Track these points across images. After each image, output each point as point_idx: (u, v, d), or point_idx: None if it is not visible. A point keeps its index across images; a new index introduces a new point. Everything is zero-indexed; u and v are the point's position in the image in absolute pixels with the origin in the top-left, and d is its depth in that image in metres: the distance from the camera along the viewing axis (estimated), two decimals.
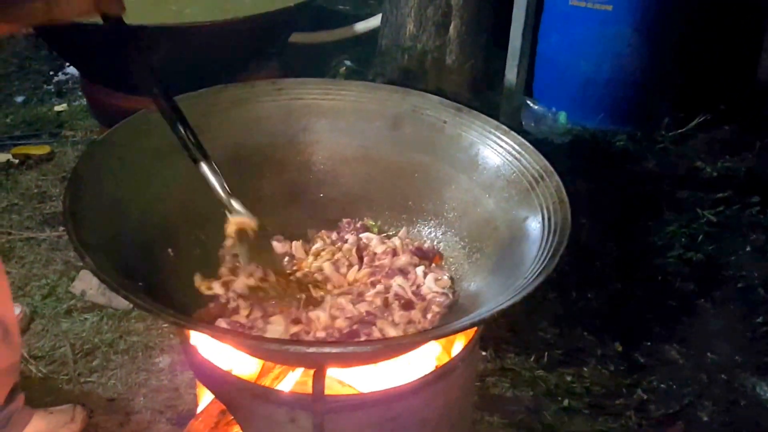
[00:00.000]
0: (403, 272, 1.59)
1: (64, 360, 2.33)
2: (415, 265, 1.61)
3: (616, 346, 2.45)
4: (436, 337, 1.46)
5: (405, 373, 1.57)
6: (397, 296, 1.54)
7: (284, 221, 1.71)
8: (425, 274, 1.59)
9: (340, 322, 1.45)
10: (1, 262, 1.80)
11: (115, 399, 2.21)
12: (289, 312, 1.46)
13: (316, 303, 1.51)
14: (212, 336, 1.30)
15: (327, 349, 1.25)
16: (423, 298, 1.55)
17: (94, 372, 2.30)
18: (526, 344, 2.43)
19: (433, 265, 1.64)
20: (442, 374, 1.44)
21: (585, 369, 2.36)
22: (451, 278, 1.61)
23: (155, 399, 2.21)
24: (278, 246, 1.66)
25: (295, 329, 1.43)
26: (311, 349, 1.21)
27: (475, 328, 1.49)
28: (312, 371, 1.33)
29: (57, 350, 2.37)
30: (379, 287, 1.56)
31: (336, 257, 1.63)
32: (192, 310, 1.43)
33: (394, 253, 1.64)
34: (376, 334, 1.44)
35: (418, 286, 1.57)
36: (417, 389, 1.41)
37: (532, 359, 2.37)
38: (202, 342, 1.53)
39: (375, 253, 1.64)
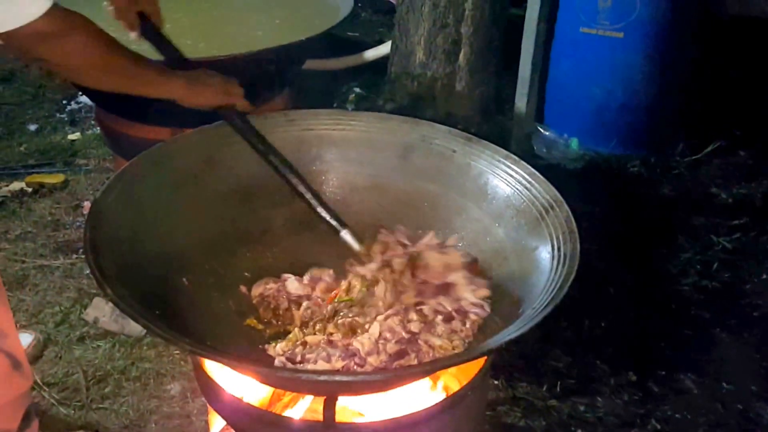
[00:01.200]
0: (449, 288, 1.58)
1: (77, 387, 2.34)
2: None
3: (629, 375, 2.42)
4: (446, 367, 1.46)
5: (416, 401, 1.57)
6: (437, 312, 1.54)
7: (295, 250, 1.72)
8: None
9: (391, 346, 1.45)
10: (6, 294, 1.81)
11: (128, 426, 2.21)
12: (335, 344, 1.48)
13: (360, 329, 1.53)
14: (226, 364, 1.31)
15: (338, 378, 1.25)
16: (461, 309, 1.54)
17: (106, 399, 2.30)
18: (539, 373, 2.41)
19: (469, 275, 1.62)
20: (452, 403, 1.44)
21: (598, 398, 2.34)
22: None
23: (167, 426, 2.21)
24: (296, 286, 1.66)
25: (341, 364, 1.44)
26: (323, 378, 1.22)
27: (485, 357, 1.49)
28: (323, 399, 1.33)
29: (70, 377, 2.38)
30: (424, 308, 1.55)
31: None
32: (206, 337, 1.44)
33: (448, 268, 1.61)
34: (424, 349, 1.44)
35: (459, 300, 1.56)
36: (428, 417, 1.41)
37: (544, 388, 2.35)
38: (215, 369, 1.54)
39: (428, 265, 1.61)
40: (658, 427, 2.25)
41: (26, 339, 2.39)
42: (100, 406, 2.28)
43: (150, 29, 1.75)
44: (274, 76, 2.55)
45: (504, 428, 2.22)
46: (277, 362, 1.45)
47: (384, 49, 4.10)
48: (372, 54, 4.19)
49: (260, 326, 1.58)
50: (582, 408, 2.30)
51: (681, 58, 3.49)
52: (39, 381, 2.33)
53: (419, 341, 1.46)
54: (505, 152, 1.65)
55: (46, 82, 4.42)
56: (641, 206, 3.29)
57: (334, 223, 1.60)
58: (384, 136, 1.75)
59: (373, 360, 1.43)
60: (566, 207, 1.49)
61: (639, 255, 2.96)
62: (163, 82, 1.56)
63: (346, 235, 1.59)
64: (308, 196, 1.62)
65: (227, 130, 1.73)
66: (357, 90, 4.12)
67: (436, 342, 1.45)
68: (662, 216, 3.23)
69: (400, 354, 1.44)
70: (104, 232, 1.37)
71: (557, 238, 1.44)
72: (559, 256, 1.39)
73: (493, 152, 1.66)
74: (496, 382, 2.33)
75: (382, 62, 4.06)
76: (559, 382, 2.37)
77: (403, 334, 1.47)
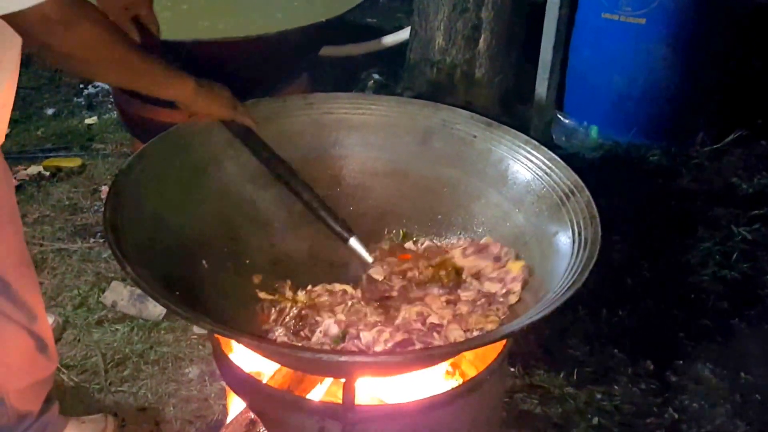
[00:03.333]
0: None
1: (96, 370, 2.36)
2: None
3: (647, 365, 2.41)
4: (466, 349, 1.46)
5: (435, 385, 1.57)
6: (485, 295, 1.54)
7: (314, 236, 1.71)
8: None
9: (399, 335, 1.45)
10: (35, 276, 1.82)
11: (146, 409, 2.23)
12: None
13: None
14: (246, 344, 1.31)
15: (358, 358, 1.25)
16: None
17: (124, 382, 2.32)
18: (556, 361, 2.40)
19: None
20: (471, 387, 1.44)
21: (615, 387, 2.33)
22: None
23: (185, 409, 2.22)
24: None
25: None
26: (343, 358, 1.23)
27: (504, 341, 1.49)
28: (342, 381, 1.33)
29: (88, 360, 2.39)
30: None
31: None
32: (225, 319, 1.44)
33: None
34: (437, 341, 1.44)
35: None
36: (446, 401, 1.41)
37: (561, 376, 2.34)
38: (234, 350, 1.54)
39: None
40: (676, 416, 2.24)
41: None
42: (119, 389, 2.29)
43: (147, 37, 1.65)
44: (293, 60, 2.54)
45: (520, 415, 2.21)
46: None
47: (403, 34, 4.08)
48: (391, 40, 4.17)
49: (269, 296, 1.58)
50: (599, 396, 2.30)
51: (704, 46, 3.45)
52: (58, 363, 2.34)
53: (434, 333, 1.46)
54: (526, 138, 1.64)
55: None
56: (661, 196, 3.27)
57: (341, 231, 1.63)
58: (404, 120, 1.74)
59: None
60: (587, 192, 1.48)
61: (658, 245, 2.95)
62: (171, 84, 1.49)
63: (354, 242, 1.62)
64: (315, 204, 1.64)
65: None
66: (375, 76, 4.10)
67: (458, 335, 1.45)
68: (682, 206, 3.21)
69: (404, 343, 1.43)
70: (124, 212, 1.38)
71: (578, 223, 1.43)
72: (580, 240, 1.39)
73: (513, 137, 1.65)
74: (513, 370, 2.33)
75: (401, 48, 4.04)
76: (576, 371, 2.36)
77: (420, 326, 1.47)
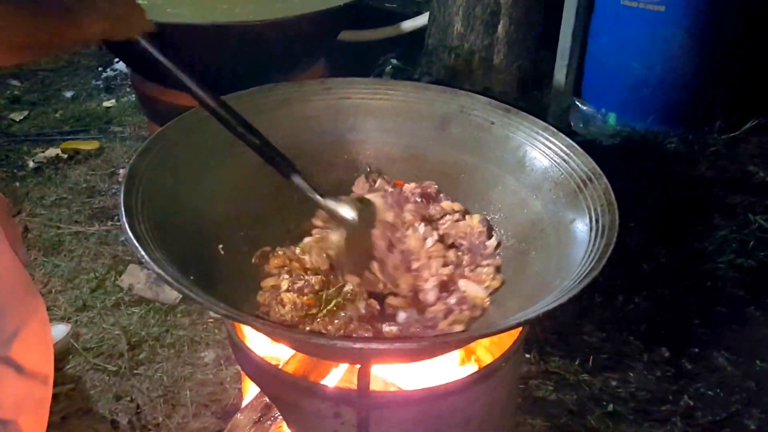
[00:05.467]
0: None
1: (112, 352, 2.38)
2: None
3: (662, 352, 2.42)
4: (482, 336, 1.46)
5: (450, 372, 1.57)
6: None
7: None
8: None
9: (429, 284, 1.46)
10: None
11: (162, 393, 2.24)
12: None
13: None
14: (260, 330, 1.31)
15: (374, 345, 1.26)
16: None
17: (140, 365, 2.33)
18: (571, 348, 2.41)
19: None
20: (487, 374, 1.44)
21: (631, 374, 2.34)
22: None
23: (200, 392, 2.24)
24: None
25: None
26: (358, 345, 1.23)
27: (520, 329, 1.49)
28: (356, 368, 1.34)
29: (105, 342, 2.41)
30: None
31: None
32: (240, 305, 1.44)
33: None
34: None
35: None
36: (462, 388, 1.41)
37: (576, 363, 2.35)
38: (249, 336, 1.54)
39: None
40: (691, 403, 2.24)
41: (61, 330, 2.39)
42: (135, 372, 2.31)
43: None
44: (310, 44, 2.54)
45: (535, 401, 2.22)
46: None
47: (421, 20, 4.06)
48: (409, 25, 4.16)
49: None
50: (614, 383, 2.30)
51: (722, 34, 3.43)
52: (76, 345, 2.37)
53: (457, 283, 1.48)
54: (544, 124, 1.63)
55: (82, 49, 4.45)
56: (677, 183, 3.26)
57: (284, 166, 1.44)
58: (422, 106, 1.73)
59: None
60: (605, 179, 1.47)
61: (674, 232, 2.94)
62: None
63: (297, 179, 1.45)
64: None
65: (263, 97, 1.72)
66: (393, 62, 4.08)
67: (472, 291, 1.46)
68: (698, 193, 3.19)
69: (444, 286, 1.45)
70: (139, 196, 1.37)
71: (595, 210, 1.42)
72: (597, 228, 1.38)
73: (531, 124, 1.64)
74: (528, 356, 2.33)
75: (420, 34, 4.03)
76: (591, 357, 2.36)
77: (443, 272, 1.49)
